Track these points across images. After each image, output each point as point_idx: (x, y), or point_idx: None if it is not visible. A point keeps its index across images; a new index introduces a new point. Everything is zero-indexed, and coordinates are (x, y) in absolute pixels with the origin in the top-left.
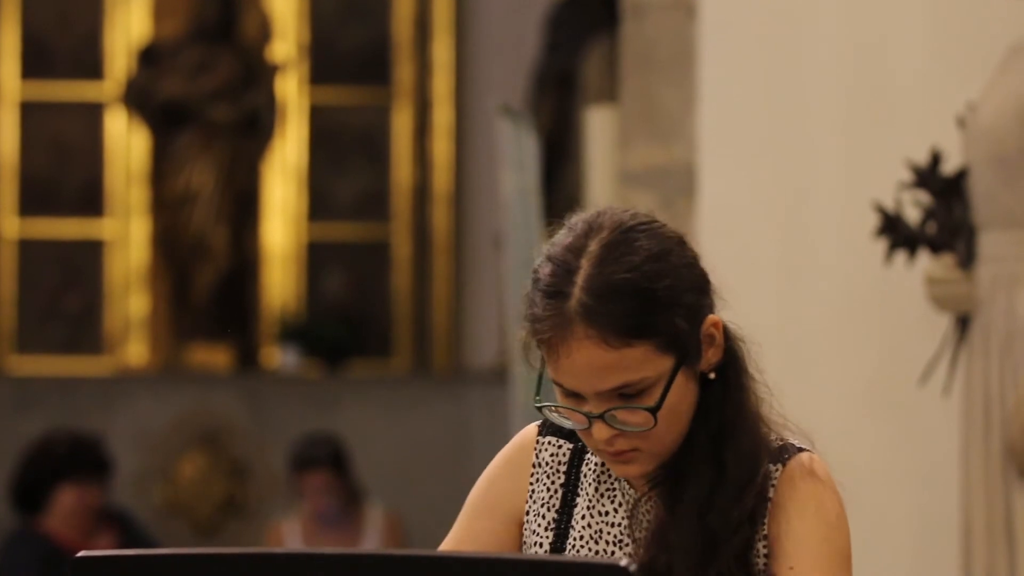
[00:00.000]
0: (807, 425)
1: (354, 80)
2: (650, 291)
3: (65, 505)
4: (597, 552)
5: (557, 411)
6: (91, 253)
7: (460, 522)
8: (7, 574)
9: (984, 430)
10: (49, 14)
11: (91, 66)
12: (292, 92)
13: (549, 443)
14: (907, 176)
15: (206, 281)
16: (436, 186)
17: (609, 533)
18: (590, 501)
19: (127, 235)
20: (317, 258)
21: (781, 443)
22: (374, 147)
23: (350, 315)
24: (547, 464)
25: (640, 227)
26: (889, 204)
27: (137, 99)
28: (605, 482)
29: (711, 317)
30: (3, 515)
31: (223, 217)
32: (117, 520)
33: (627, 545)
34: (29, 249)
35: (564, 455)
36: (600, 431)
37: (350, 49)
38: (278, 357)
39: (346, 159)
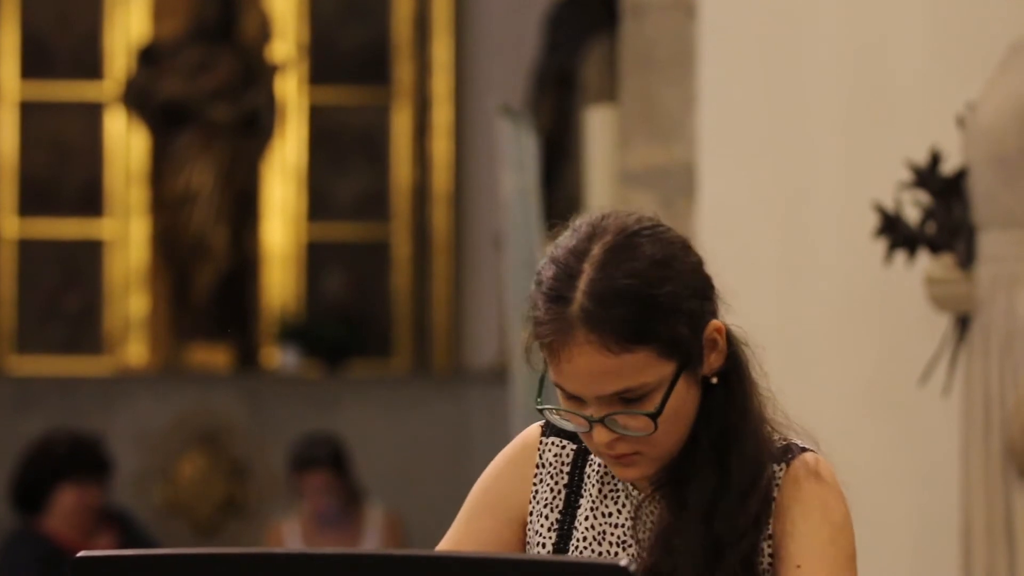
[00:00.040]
0: (807, 425)
1: (354, 80)
2: (652, 297)
3: (65, 505)
4: (600, 553)
5: (558, 414)
6: (91, 253)
7: (459, 521)
8: (7, 574)
9: (984, 430)
10: (49, 14)
11: (91, 66)
12: (292, 92)
13: (553, 443)
14: (907, 176)
15: (206, 281)
16: (436, 186)
17: (612, 534)
18: (593, 502)
19: (127, 235)
20: (317, 258)
21: (785, 443)
22: (374, 147)
23: (350, 315)
24: (551, 465)
25: (644, 231)
26: (889, 204)
27: (137, 99)
28: (609, 483)
29: (714, 322)
30: (3, 515)
31: (223, 217)
32: (117, 520)
33: (630, 546)
34: (29, 249)
35: (568, 456)
36: (601, 435)
37: (350, 49)
38: (278, 357)
39: (346, 159)
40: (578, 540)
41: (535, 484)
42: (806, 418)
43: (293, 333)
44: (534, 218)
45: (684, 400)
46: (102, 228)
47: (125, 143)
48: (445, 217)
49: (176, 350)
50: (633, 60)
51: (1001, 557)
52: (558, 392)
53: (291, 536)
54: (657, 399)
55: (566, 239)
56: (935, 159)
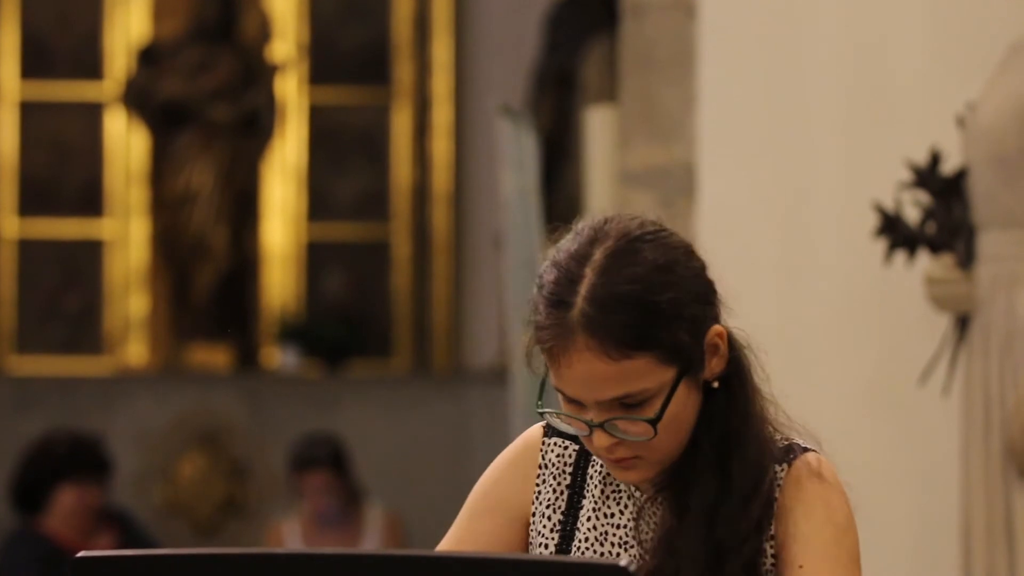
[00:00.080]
0: (808, 425)
1: (354, 80)
2: (653, 303)
3: (65, 505)
4: (603, 554)
5: (559, 417)
6: (91, 253)
7: (460, 522)
8: (7, 574)
9: (984, 430)
10: (49, 14)
11: (91, 66)
12: (292, 92)
13: (555, 444)
14: (907, 176)
15: (206, 281)
16: (436, 186)
17: (615, 535)
18: (596, 503)
19: (127, 235)
20: (317, 258)
21: (787, 443)
22: (374, 147)
23: (350, 315)
24: (553, 465)
25: (646, 237)
26: (889, 204)
27: (137, 99)
28: (611, 484)
29: (716, 327)
30: (3, 515)
31: (223, 217)
32: (117, 520)
33: (633, 547)
34: (29, 249)
35: (570, 456)
36: (600, 439)
37: (350, 49)
38: (278, 357)
39: (346, 159)
40: (580, 541)
41: (538, 485)
42: (806, 418)
43: (293, 333)
44: (534, 218)
45: (684, 405)
46: (102, 228)
47: (125, 143)
48: (445, 217)
49: (176, 350)
50: (633, 60)
51: (1001, 557)
52: (559, 395)
53: (291, 536)
54: (657, 405)
55: (568, 242)
56: (935, 159)
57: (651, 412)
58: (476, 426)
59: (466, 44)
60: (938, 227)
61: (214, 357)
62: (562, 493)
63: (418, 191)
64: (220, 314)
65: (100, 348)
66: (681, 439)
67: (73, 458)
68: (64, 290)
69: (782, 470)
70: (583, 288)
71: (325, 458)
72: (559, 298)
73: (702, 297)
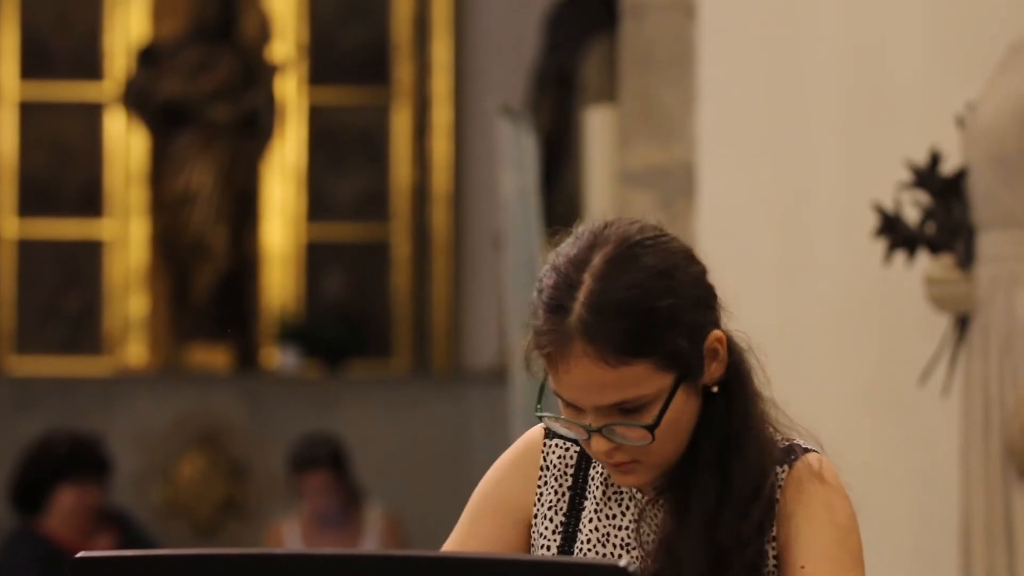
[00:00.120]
0: (808, 426)
1: (353, 80)
2: (651, 310)
3: (65, 505)
4: (605, 555)
5: (558, 422)
6: (91, 253)
7: (462, 525)
8: (7, 574)
9: (984, 430)
10: (49, 14)
11: (91, 66)
12: (291, 92)
13: (556, 446)
14: (907, 176)
15: (206, 281)
16: (436, 186)
17: (616, 536)
18: (598, 504)
19: (127, 235)
20: (317, 258)
21: (788, 443)
22: (373, 147)
23: (350, 315)
24: (555, 467)
25: (646, 242)
26: (888, 204)
27: (137, 99)
28: (612, 486)
29: (715, 332)
30: (3, 515)
31: (223, 217)
32: (117, 520)
33: (635, 549)
34: (29, 249)
35: (572, 458)
36: (599, 444)
37: (349, 49)
38: (278, 357)
39: (345, 159)
40: (582, 542)
41: (539, 486)
42: (806, 418)
43: (293, 333)
44: (534, 218)
45: (683, 410)
46: (102, 228)
47: (125, 143)
48: (445, 217)
49: (176, 350)
50: (633, 60)
51: (1001, 557)
52: (558, 400)
53: (291, 537)
54: (655, 410)
55: (567, 247)
56: (935, 159)
57: (649, 418)
58: (476, 426)
59: (466, 44)
60: (938, 227)
61: (214, 357)
62: (564, 495)
63: (418, 191)
64: (220, 314)
65: (100, 348)
66: (680, 444)
67: (73, 458)
68: (64, 290)
69: (783, 471)
70: (581, 294)
71: (325, 458)
72: (558, 303)
73: (702, 303)
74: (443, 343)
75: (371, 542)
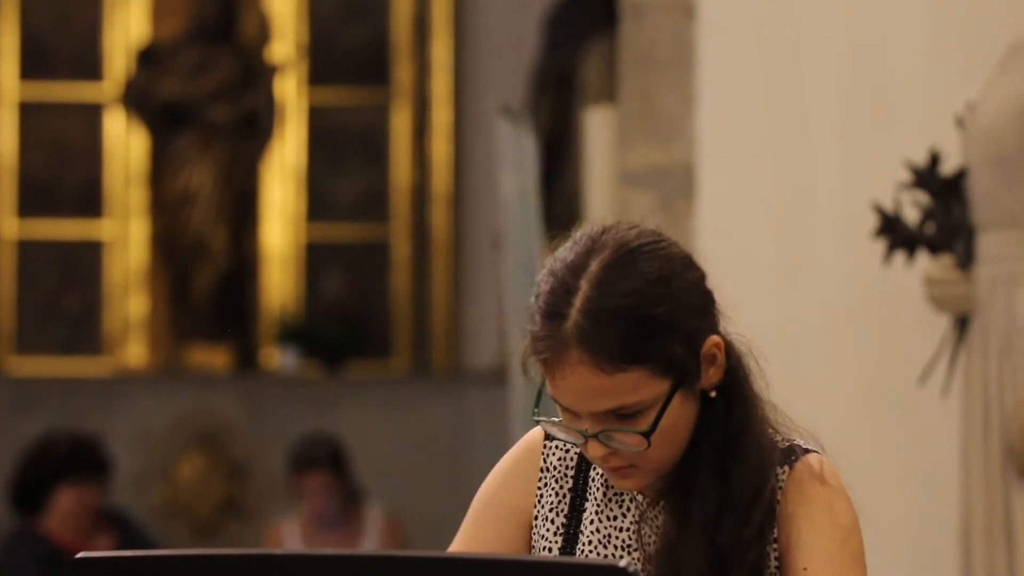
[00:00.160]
0: (808, 426)
1: (353, 80)
2: (647, 317)
3: (64, 506)
4: (606, 556)
5: (555, 426)
6: (90, 254)
7: (465, 528)
8: (6, 575)
9: (983, 430)
10: (48, 14)
11: (90, 67)
12: (291, 92)
13: (556, 447)
14: (906, 176)
15: (205, 282)
16: (435, 186)
17: (618, 538)
18: (598, 506)
19: (126, 236)
20: (316, 259)
21: (788, 444)
22: (373, 147)
23: (349, 316)
24: (555, 468)
25: (644, 248)
26: (888, 204)
27: (136, 100)
28: (613, 487)
29: (713, 338)
30: (2, 516)
31: (222, 218)
32: (116, 521)
33: (636, 550)
34: (28, 250)
35: (572, 459)
36: (595, 449)
37: (349, 49)
38: (277, 358)
39: (345, 159)
40: (584, 544)
41: (540, 488)
42: (806, 419)
43: (292, 334)
44: (533, 219)
45: (679, 416)
46: (102, 229)
47: (125, 144)
48: (445, 217)
49: (175, 351)
50: (632, 60)
51: (1001, 557)
52: (556, 404)
53: (290, 537)
54: (651, 416)
55: (565, 252)
56: (934, 159)
57: (645, 424)
58: (475, 426)
59: (466, 44)
60: (937, 227)
61: (213, 358)
62: (564, 496)
63: (418, 192)
64: (219, 315)
65: (100, 349)
66: (677, 449)
67: (72, 459)
68: (64, 291)
69: (783, 472)
70: (577, 300)
71: (324, 459)
72: (554, 309)
73: (699, 309)
74: (443, 343)
75: (371, 542)
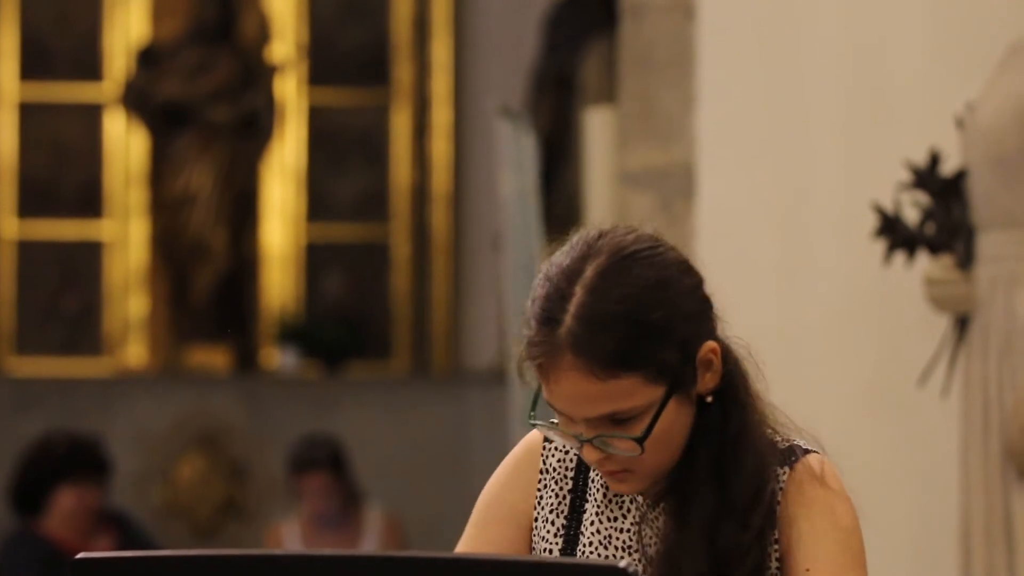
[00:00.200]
0: (807, 426)
1: (353, 81)
2: (642, 323)
3: (64, 506)
4: (607, 557)
5: (551, 429)
6: (90, 254)
7: (469, 532)
8: (6, 575)
9: (983, 431)
10: (48, 15)
11: (90, 67)
12: (291, 93)
13: (556, 449)
14: (906, 176)
15: (205, 282)
16: (435, 187)
17: (618, 539)
18: (599, 507)
19: (126, 236)
20: (316, 259)
21: (788, 444)
22: (373, 148)
23: (349, 316)
24: (554, 470)
25: (640, 253)
26: (888, 205)
27: (136, 100)
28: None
29: (709, 343)
30: (2, 516)
31: (222, 218)
32: (116, 521)
33: (636, 552)
34: (28, 250)
35: (571, 461)
36: (590, 453)
37: (349, 50)
38: (277, 358)
39: (345, 160)
40: (584, 545)
41: (540, 490)
42: (806, 419)
43: (292, 334)
44: (533, 219)
45: (674, 422)
46: (101, 229)
47: (124, 144)
48: (444, 218)
49: (175, 351)
50: (632, 61)
51: (1000, 557)
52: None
53: (290, 538)
54: (646, 422)
55: (561, 256)
56: (934, 160)
57: (639, 430)
58: (475, 427)
59: (466, 44)
60: (937, 228)
61: (213, 358)
62: (564, 498)
63: (417, 192)
64: (219, 315)
65: (99, 349)
66: (673, 453)
67: (72, 459)
68: (63, 291)
69: (784, 473)
70: (572, 306)
71: (324, 460)
72: (548, 315)
73: (695, 315)
74: (443, 344)
75: (371, 543)
